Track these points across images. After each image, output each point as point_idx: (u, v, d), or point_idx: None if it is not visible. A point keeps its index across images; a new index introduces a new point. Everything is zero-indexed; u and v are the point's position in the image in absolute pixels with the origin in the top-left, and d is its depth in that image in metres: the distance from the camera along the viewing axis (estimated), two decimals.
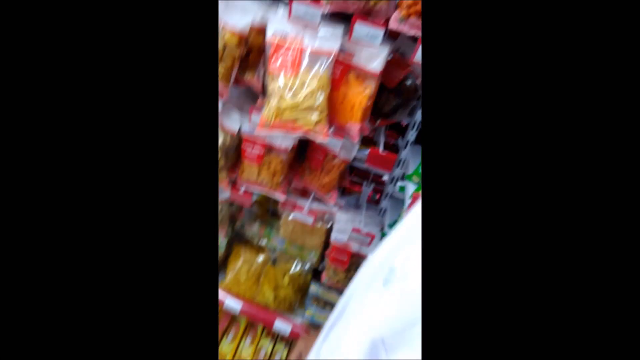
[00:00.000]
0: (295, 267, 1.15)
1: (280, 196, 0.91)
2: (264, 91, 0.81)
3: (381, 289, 0.36)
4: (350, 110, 0.74)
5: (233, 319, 1.29)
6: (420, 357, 0.27)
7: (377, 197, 1.08)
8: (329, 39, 0.67)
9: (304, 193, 1.04)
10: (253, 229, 1.23)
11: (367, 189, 1.02)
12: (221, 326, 1.25)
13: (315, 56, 0.68)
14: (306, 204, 0.97)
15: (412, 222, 0.39)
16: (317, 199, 0.99)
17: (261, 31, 0.73)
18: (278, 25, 0.68)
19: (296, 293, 1.15)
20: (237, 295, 1.17)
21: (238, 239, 1.25)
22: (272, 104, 0.69)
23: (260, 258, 1.19)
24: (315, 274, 1.17)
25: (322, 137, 0.70)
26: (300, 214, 0.90)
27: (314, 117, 0.69)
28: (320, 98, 0.69)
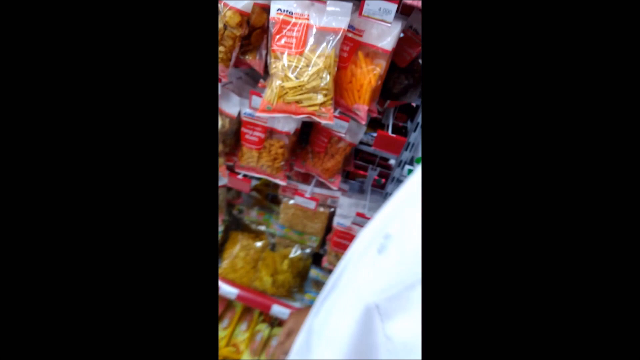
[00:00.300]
0: (295, 252, 1.13)
1: (281, 181, 0.89)
2: (266, 73, 0.77)
3: (376, 256, 0.35)
4: (358, 90, 0.71)
5: (229, 304, 1.28)
6: (419, 321, 0.26)
7: (383, 181, 1.07)
8: (337, 15, 0.63)
9: (306, 178, 1.01)
10: (251, 215, 1.21)
11: (372, 173, 1.00)
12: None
13: (322, 34, 0.64)
14: (308, 188, 0.95)
15: (407, 191, 0.38)
16: (319, 184, 0.96)
17: (265, 9, 0.68)
18: (283, 2, 0.64)
19: (295, 278, 1.14)
20: (234, 282, 1.15)
21: (235, 225, 1.23)
22: (274, 84, 0.66)
23: (259, 244, 1.17)
24: (316, 258, 1.16)
25: (328, 119, 0.67)
26: (302, 198, 0.88)
27: (319, 98, 0.66)
28: (327, 78, 0.65)
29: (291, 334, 0.64)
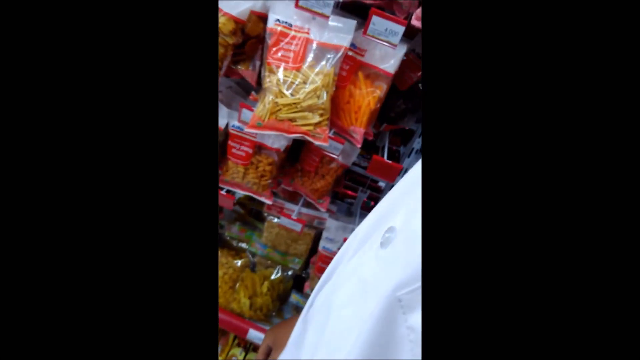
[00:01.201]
0: (276, 274, 1.07)
1: (267, 200, 0.83)
2: (258, 85, 0.72)
3: (379, 250, 0.34)
4: (355, 112, 0.67)
5: None
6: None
7: (372, 204, 1.03)
8: (339, 31, 0.60)
9: (293, 196, 0.96)
10: (232, 231, 1.14)
11: (362, 195, 0.96)
12: None
13: (322, 50, 0.60)
14: (295, 208, 0.90)
15: (407, 182, 0.37)
16: (307, 204, 0.91)
17: (262, 18, 0.64)
18: (282, 12, 0.60)
19: (274, 302, 1.08)
20: None
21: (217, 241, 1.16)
22: (267, 100, 0.61)
23: (239, 263, 1.11)
24: (297, 281, 1.11)
25: (322, 140, 0.63)
26: (288, 220, 0.82)
27: (315, 118, 0.61)
28: (324, 97, 0.61)
29: (271, 352, 0.60)
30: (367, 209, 0.99)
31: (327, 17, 0.58)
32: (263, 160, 0.78)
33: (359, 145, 0.69)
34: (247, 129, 0.61)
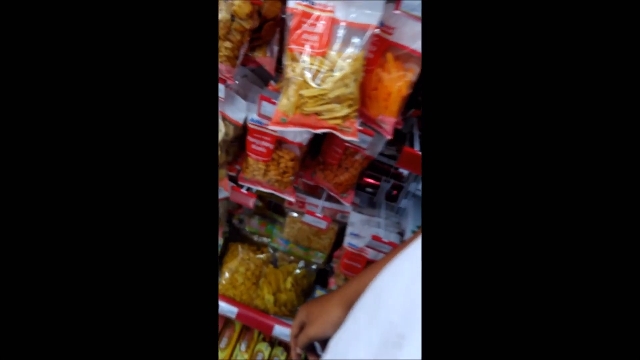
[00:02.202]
0: (300, 268, 1.04)
1: (289, 197, 0.79)
2: (277, 72, 0.66)
3: (394, 351, 0.34)
4: (385, 99, 0.61)
5: (227, 322, 1.18)
6: None
7: (394, 193, 0.97)
8: (367, 7, 0.53)
9: (313, 189, 0.92)
10: (252, 225, 1.11)
11: (385, 185, 0.91)
12: None
13: (350, 31, 0.54)
14: (318, 203, 0.85)
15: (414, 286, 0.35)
16: (328, 197, 0.87)
17: None
18: None
19: (299, 297, 1.05)
20: (233, 299, 1.06)
21: (235, 235, 1.13)
22: (291, 92, 0.55)
23: (260, 257, 1.08)
24: (320, 274, 1.07)
25: (351, 134, 0.57)
26: (312, 217, 0.78)
27: (343, 110, 0.56)
28: (352, 86, 0.55)
29: (304, 327, 0.59)
30: (391, 198, 0.94)
31: None
32: (284, 156, 0.73)
33: (390, 137, 0.63)
34: (271, 127, 0.56)
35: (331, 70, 0.54)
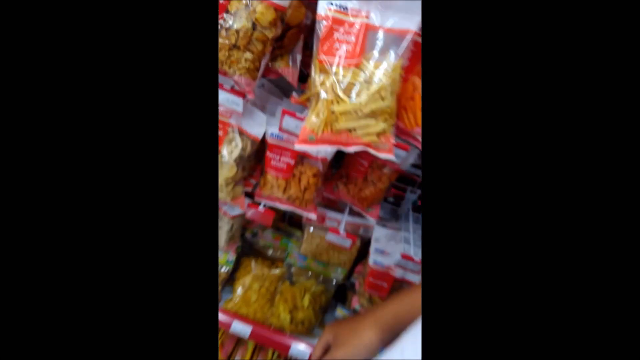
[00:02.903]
0: (318, 284, 0.99)
1: (311, 214, 0.73)
2: (301, 82, 0.61)
3: None
4: (420, 109, 0.55)
5: (239, 341, 1.13)
6: None
7: (419, 203, 0.92)
8: (406, 11, 0.47)
9: (333, 202, 0.86)
10: (266, 238, 1.05)
11: (411, 197, 0.85)
12: (227, 349, 1.10)
13: (388, 37, 0.48)
14: (339, 217, 0.80)
15: None
16: (351, 212, 0.81)
17: (302, 1, 0.52)
18: None
19: (317, 314, 1.00)
20: (247, 318, 1.01)
21: (248, 250, 1.08)
22: (320, 108, 0.50)
23: (275, 273, 1.02)
24: (340, 290, 1.02)
25: (387, 151, 0.52)
26: (335, 236, 0.73)
27: (379, 125, 0.50)
28: (389, 98, 0.50)
29: (330, 349, 0.56)
30: (416, 209, 0.89)
31: None
32: (306, 172, 0.68)
33: None
34: (297, 146, 0.51)
35: (366, 82, 0.48)
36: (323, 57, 0.49)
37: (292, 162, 0.66)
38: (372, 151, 0.51)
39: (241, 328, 0.99)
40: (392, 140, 0.52)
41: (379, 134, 0.51)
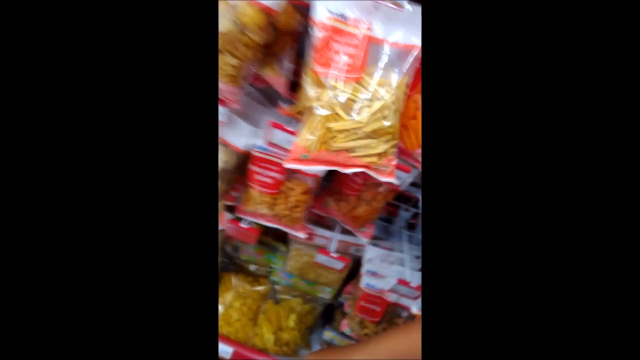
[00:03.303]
0: (304, 305, 0.93)
1: (300, 233, 0.68)
2: (290, 93, 0.55)
3: None
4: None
5: None
6: None
7: (412, 221, 0.88)
8: (410, 24, 0.42)
9: (321, 218, 0.81)
10: (248, 253, 0.99)
11: (405, 215, 0.81)
12: None
13: (393, 52, 0.43)
14: (328, 235, 0.74)
15: None
16: (343, 231, 0.76)
17: (298, 8, 0.46)
18: (333, 1, 0.42)
19: (303, 335, 0.95)
20: (228, 338, 0.94)
21: (228, 264, 1.01)
22: (315, 124, 0.44)
23: (258, 290, 0.96)
24: (328, 310, 0.97)
25: (388, 174, 0.47)
26: (325, 257, 0.67)
27: (380, 146, 0.45)
28: (392, 117, 0.45)
29: None
30: (411, 228, 0.85)
31: (400, 6, 0.41)
32: (296, 188, 0.62)
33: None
34: (289, 165, 0.45)
35: (368, 99, 0.43)
36: (319, 68, 0.43)
37: (280, 177, 0.61)
38: (372, 174, 0.46)
39: (222, 349, 0.92)
40: (394, 162, 0.47)
41: (380, 155, 0.46)
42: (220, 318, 0.95)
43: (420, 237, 0.80)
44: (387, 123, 0.44)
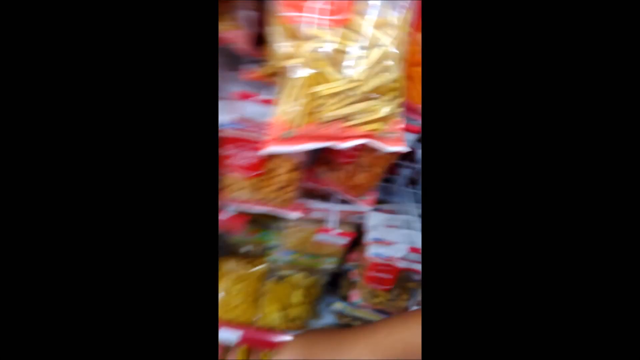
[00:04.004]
0: (308, 278, 0.88)
1: (292, 213, 0.59)
2: (257, 46, 0.43)
3: None
4: None
5: (226, 350, 1.03)
6: None
7: (415, 177, 0.80)
8: None
9: (314, 190, 0.72)
10: (238, 235, 0.91)
11: (407, 172, 0.73)
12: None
13: None
14: (325, 206, 0.66)
15: None
16: (342, 201, 0.68)
17: None
18: None
19: (311, 308, 0.91)
20: (232, 323, 0.90)
21: (223, 248, 0.93)
22: (296, 89, 0.33)
23: (255, 271, 0.90)
24: (334, 278, 0.92)
25: (396, 142, 0.37)
26: (327, 236, 0.60)
27: (385, 108, 0.35)
28: (397, 68, 0.34)
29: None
30: (414, 184, 0.77)
31: None
32: (282, 165, 0.52)
33: None
34: (268, 149, 0.35)
35: (362, 47, 0.32)
36: (288, 13, 0.31)
37: (259, 155, 0.50)
38: (376, 144, 0.37)
39: (228, 335, 0.88)
40: (402, 126, 0.37)
41: (384, 120, 0.36)
42: (220, 305, 0.89)
43: (415, 190, 0.73)
44: (390, 76, 0.33)
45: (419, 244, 0.62)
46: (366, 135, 0.36)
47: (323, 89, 0.33)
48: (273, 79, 0.41)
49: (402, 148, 0.37)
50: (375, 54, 0.32)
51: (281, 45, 0.33)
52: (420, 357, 0.36)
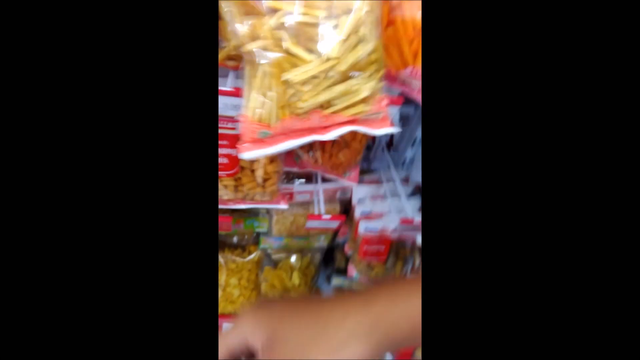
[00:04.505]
0: (303, 259, 0.87)
1: (281, 205, 0.56)
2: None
3: None
4: (410, 40, 0.36)
5: None
6: None
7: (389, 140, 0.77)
8: None
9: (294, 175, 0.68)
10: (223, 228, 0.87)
11: (383, 138, 0.70)
12: None
13: None
14: (313, 189, 0.63)
15: None
16: (323, 180, 0.65)
17: None
18: None
19: (310, 285, 0.90)
20: (234, 315, 0.88)
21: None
22: (264, 78, 0.29)
23: (249, 260, 0.88)
24: (328, 253, 0.91)
25: (382, 123, 0.34)
26: (317, 222, 0.57)
27: (366, 85, 0.31)
28: (372, 36, 0.29)
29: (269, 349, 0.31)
30: (390, 147, 0.74)
31: None
32: (260, 160, 0.48)
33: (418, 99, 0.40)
34: (245, 155, 0.30)
35: (333, 16, 0.27)
36: None
37: (233, 152, 0.46)
38: (362, 129, 0.33)
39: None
40: (386, 102, 0.33)
41: (366, 100, 0.32)
42: (220, 300, 0.87)
43: (399, 153, 0.71)
44: (367, 47, 0.29)
45: (408, 211, 0.61)
46: (350, 121, 0.32)
47: (295, 75, 0.28)
48: (231, 63, 0.36)
49: (390, 129, 0.34)
50: (347, 22, 0.27)
51: (236, 24, 0.28)
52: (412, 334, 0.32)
